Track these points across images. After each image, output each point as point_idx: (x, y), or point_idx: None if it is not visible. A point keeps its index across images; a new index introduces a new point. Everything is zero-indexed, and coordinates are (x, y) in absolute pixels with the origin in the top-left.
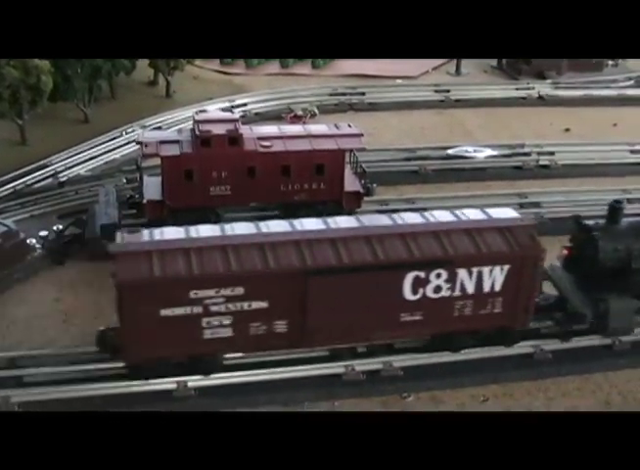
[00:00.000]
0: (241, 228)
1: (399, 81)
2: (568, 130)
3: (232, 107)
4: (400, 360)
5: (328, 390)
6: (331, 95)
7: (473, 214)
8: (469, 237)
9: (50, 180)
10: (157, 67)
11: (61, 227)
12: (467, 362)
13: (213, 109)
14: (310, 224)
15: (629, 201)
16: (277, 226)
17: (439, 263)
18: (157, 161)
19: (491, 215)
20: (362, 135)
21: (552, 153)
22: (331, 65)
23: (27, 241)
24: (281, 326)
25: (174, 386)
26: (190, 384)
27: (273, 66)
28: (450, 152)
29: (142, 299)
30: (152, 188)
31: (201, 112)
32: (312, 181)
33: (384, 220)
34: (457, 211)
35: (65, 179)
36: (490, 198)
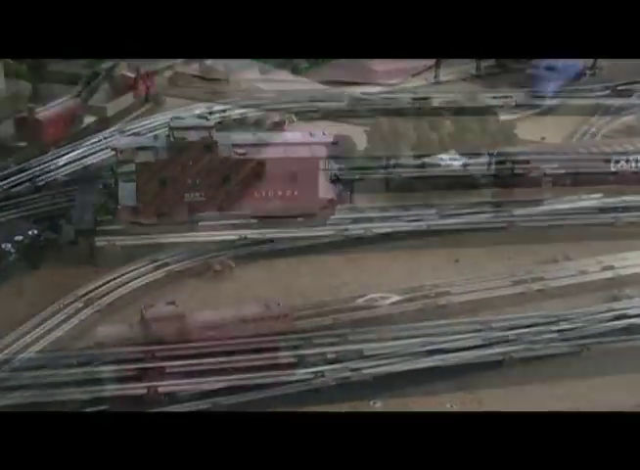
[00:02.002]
0: None
1: (379, 88)
2: (543, 139)
3: (211, 112)
4: (369, 367)
5: (297, 396)
6: (310, 101)
7: None
8: None
9: (27, 184)
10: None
11: (36, 232)
12: (437, 369)
13: (191, 114)
14: None
15: None
16: None
17: None
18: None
19: None
20: (337, 143)
21: (527, 161)
22: (311, 71)
23: (2, 245)
24: None
25: (144, 391)
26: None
27: (253, 72)
28: (426, 160)
29: None
30: (127, 193)
31: (176, 118)
32: (286, 188)
33: None
34: None
35: (42, 184)
36: (465, 207)
